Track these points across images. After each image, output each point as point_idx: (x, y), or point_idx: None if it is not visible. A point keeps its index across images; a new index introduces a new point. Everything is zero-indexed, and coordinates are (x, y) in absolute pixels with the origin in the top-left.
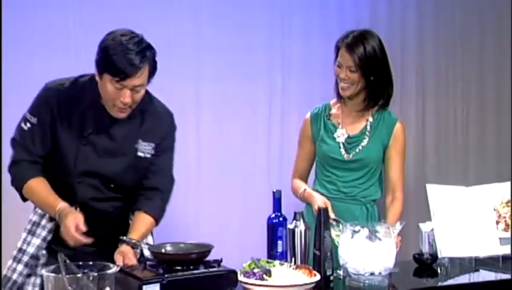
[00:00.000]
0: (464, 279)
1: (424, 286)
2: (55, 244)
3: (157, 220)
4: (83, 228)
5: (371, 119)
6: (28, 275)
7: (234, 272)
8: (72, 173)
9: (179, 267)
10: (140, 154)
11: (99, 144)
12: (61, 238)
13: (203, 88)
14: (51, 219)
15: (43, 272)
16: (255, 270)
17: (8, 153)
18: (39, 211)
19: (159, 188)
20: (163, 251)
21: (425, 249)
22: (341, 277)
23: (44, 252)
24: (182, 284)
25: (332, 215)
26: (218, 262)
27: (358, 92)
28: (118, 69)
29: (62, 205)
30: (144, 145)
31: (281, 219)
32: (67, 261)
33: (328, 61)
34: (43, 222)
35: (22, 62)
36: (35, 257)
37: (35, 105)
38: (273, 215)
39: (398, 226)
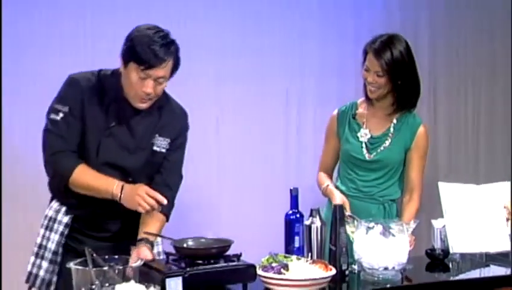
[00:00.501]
0: (474, 274)
1: (436, 281)
2: (71, 240)
3: (167, 218)
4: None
5: (395, 121)
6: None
7: (253, 266)
8: (94, 163)
9: (200, 261)
10: (156, 148)
11: (120, 137)
12: (78, 233)
13: (223, 88)
14: (67, 213)
15: (71, 265)
16: (273, 265)
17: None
18: (54, 205)
19: (170, 185)
20: (185, 245)
21: (438, 245)
22: (356, 271)
23: (61, 250)
24: (203, 278)
25: (347, 212)
26: (238, 257)
27: (386, 95)
28: (143, 59)
29: (118, 181)
30: (160, 140)
31: (298, 215)
32: (94, 254)
33: (344, 61)
34: (59, 216)
35: (37, 61)
36: (56, 253)
37: (64, 95)
38: (291, 212)
39: (412, 224)
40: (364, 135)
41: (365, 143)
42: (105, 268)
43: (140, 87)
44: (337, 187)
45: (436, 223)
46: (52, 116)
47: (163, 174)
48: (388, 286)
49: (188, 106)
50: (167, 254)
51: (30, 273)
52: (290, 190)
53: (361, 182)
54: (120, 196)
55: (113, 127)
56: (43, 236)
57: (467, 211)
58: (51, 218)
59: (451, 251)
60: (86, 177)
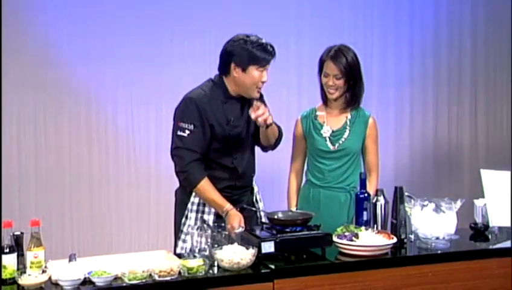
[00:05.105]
0: (509, 243)
1: (478, 248)
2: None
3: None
4: (242, 225)
5: (349, 116)
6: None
7: (330, 235)
8: (229, 152)
9: (288, 230)
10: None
11: (239, 127)
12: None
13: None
14: None
15: (189, 230)
16: (346, 233)
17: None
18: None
19: None
20: (276, 217)
21: (479, 219)
22: (412, 240)
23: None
24: (290, 242)
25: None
26: (318, 226)
27: (342, 95)
28: (263, 58)
29: (228, 206)
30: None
31: (365, 194)
32: (207, 223)
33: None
34: None
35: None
36: (214, 227)
37: (187, 115)
38: (360, 191)
39: (459, 203)
40: (326, 131)
41: (328, 137)
42: (215, 233)
43: (259, 80)
44: (308, 181)
45: (478, 203)
46: (180, 133)
47: None
48: (439, 252)
49: None
50: (262, 223)
51: (192, 244)
52: (360, 173)
53: (328, 172)
54: (225, 215)
55: (232, 121)
56: (197, 219)
57: (504, 191)
58: (199, 203)
59: (490, 225)
60: (207, 193)
